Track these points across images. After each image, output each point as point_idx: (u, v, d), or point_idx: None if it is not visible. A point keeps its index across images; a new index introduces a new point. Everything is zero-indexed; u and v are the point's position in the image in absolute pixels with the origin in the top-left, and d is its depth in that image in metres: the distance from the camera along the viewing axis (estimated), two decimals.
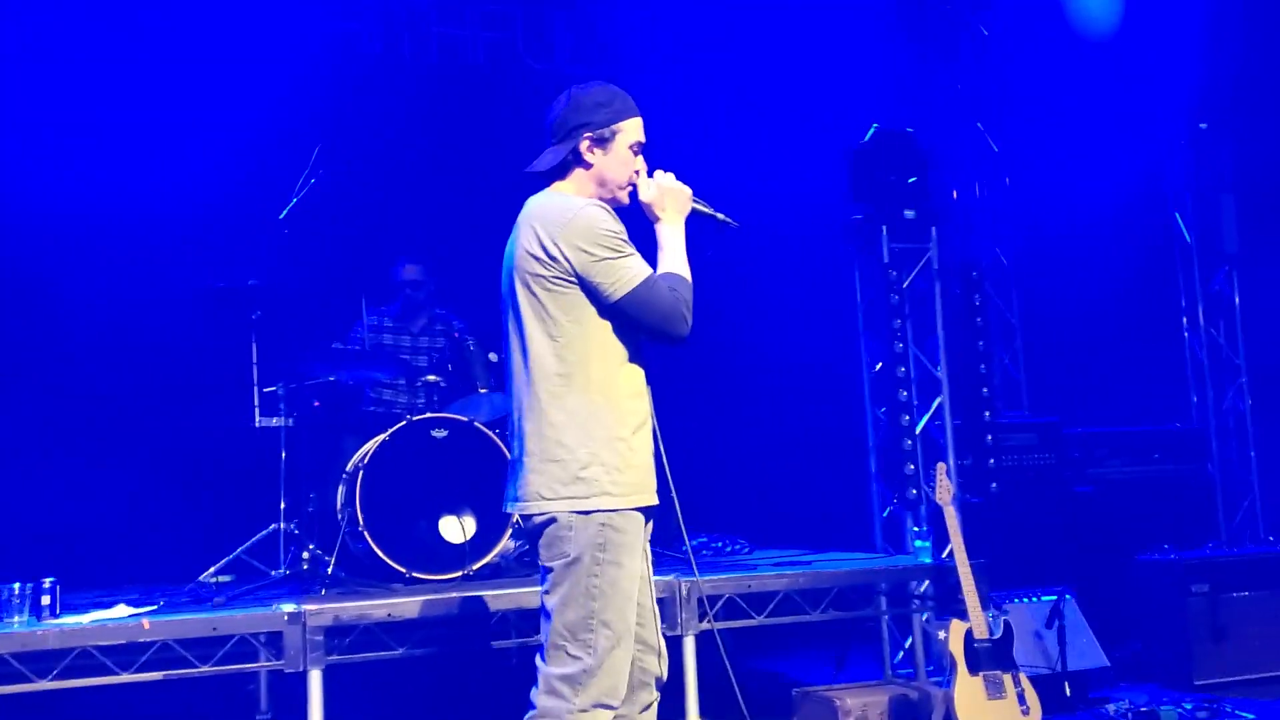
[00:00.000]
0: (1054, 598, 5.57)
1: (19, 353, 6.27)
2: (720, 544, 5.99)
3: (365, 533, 4.90)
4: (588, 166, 3.07)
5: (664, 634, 3.20)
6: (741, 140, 7.56)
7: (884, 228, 6.19)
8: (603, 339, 2.94)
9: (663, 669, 3.12)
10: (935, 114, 7.86)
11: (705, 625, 4.64)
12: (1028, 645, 5.44)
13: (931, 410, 6.26)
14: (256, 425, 5.53)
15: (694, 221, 3.18)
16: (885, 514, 6.35)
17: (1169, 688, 5.65)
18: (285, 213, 5.57)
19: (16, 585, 4.23)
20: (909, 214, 6.24)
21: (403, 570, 4.91)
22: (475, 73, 7.53)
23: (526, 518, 2.98)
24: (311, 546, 5.34)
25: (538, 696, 2.91)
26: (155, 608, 4.47)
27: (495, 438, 5.20)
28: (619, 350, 2.96)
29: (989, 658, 4.73)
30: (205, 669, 4.23)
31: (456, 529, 5.05)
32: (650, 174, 3.13)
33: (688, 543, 3.19)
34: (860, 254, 6.41)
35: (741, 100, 7.76)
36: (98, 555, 5.80)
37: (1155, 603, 5.92)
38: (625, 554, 2.90)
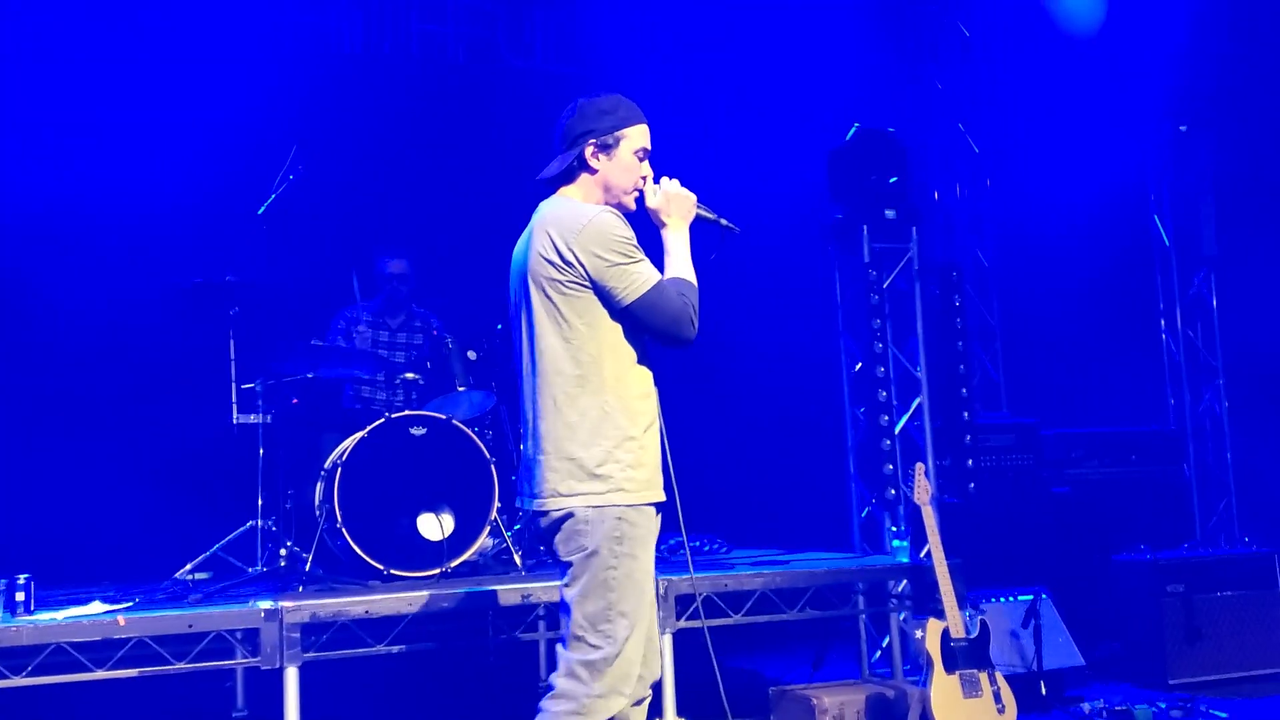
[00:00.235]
0: (1030, 597, 5.61)
1: None
2: (698, 543, 6.01)
3: (343, 530, 4.89)
4: (593, 172, 3.16)
5: None
6: (722, 139, 7.57)
7: (864, 227, 6.20)
8: (614, 341, 3.04)
9: (657, 668, 3.20)
10: (916, 114, 7.90)
11: (683, 624, 4.65)
12: (1004, 644, 5.47)
13: (911, 410, 6.28)
14: (234, 422, 5.51)
15: (697, 226, 3.27)
16: (863, 514, 6.37)
17: (1144, 687, 5.69)
18: (264, 209, 5.56)
19: None
20: (890, 214, 6.24)
21: (381, 567, 4.90)
22: (456, 70, 7.52)
23: (542, 514, 3.07)
24: (289, 543, 5.33)
25: (557, 679, 3.01)
26: (131, 604, 4.45)
27: (474, 435, 5.20)
28: (629, 352, 3.07)
29: (965, 657, 4.76)
30: (181, 666, 4.22)
31: (434, 526, 5.04)
32: (656, 180, 3.22)
33: (686, 541, 3.24)
34: (840, 254, 6.42)
35: (722, 99, 7.77)
36: (73, 551, 5.76)
37: (1131, 603, 5.96)
38: (640, 547, 3.02)
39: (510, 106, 7.36)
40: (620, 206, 3.17)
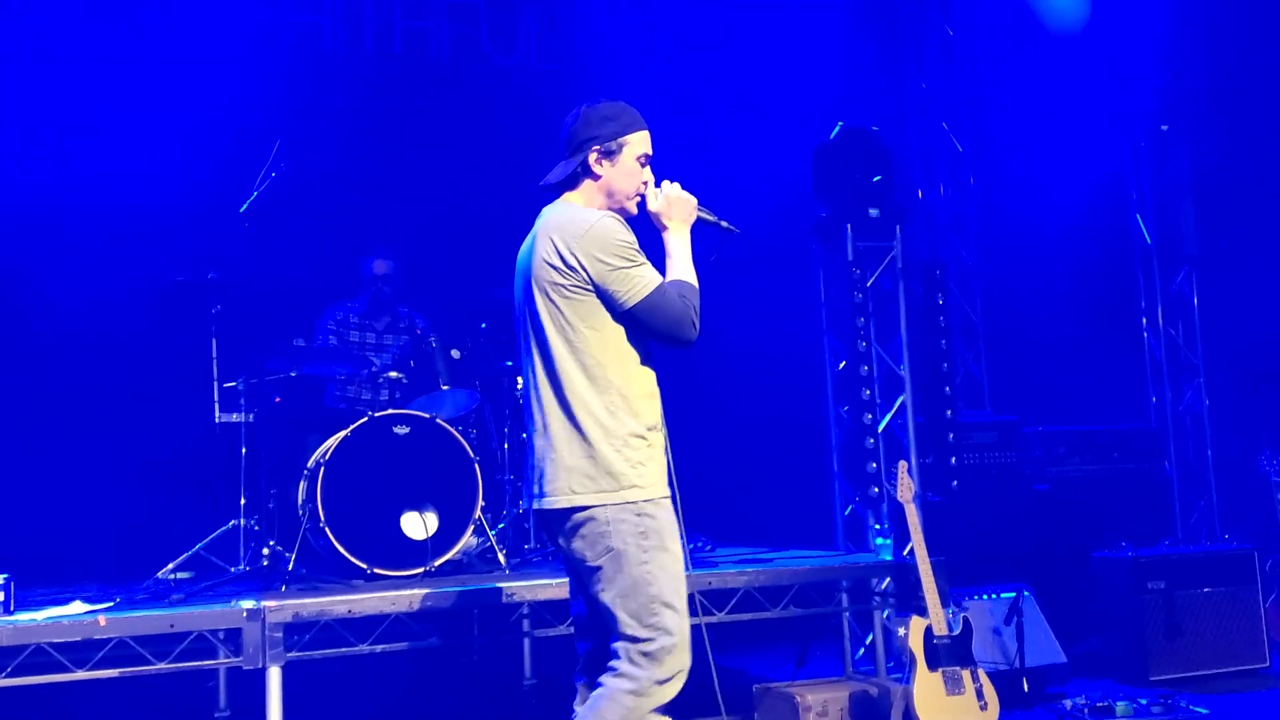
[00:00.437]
0: (1013, 595, 5.63)
1: None
2: (683, 541, 6.00)
3: (326, 529, 4.88)
4: (596, 178, 3.22)
5: None
6: (706, 137, 7.57)
7: (848, 226, 6.21)
8: (618, 343, 3.10)
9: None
10: (901, 113, 7.92)
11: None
12: (986, 642, 5.49)
13: (894, 409, 6.30)
14: (217, 421, 5.49)
15: (698, 229, 3.31)
16: (847, 511, 6.38)
17: (1125, 683, 5.71)
18: (246, 206, 5.53)
19: None
20: (873, 212, 6.26)
21: (364, 566, 4.88)
22: (439, 67, 7.51)
23: (553, 513, 3.10)
24: (272, 543, 5.30)
25: (616, 664, 3.02)
26: (112, 604, 4.42)
27: (457, 434, 5.19)
28: (632, 354, 3.13)
29: (948, 654, 4.77)
30: (163, 666, 4.19)
31: (418, 525, 5.03)
32: (657, 184, 3.27)
33: (684, 542, 3.25)
34: (824, 252, 6.43)
35: (707, 97, 7.77)
36: (53, 551, 5.73)
37: (1112, 600, 5.99)
38: (669, 538, 3.09)
39: (495, 104, 7.35)
40: (622, 211, 3.23)
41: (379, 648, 4.49)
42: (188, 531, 5.48)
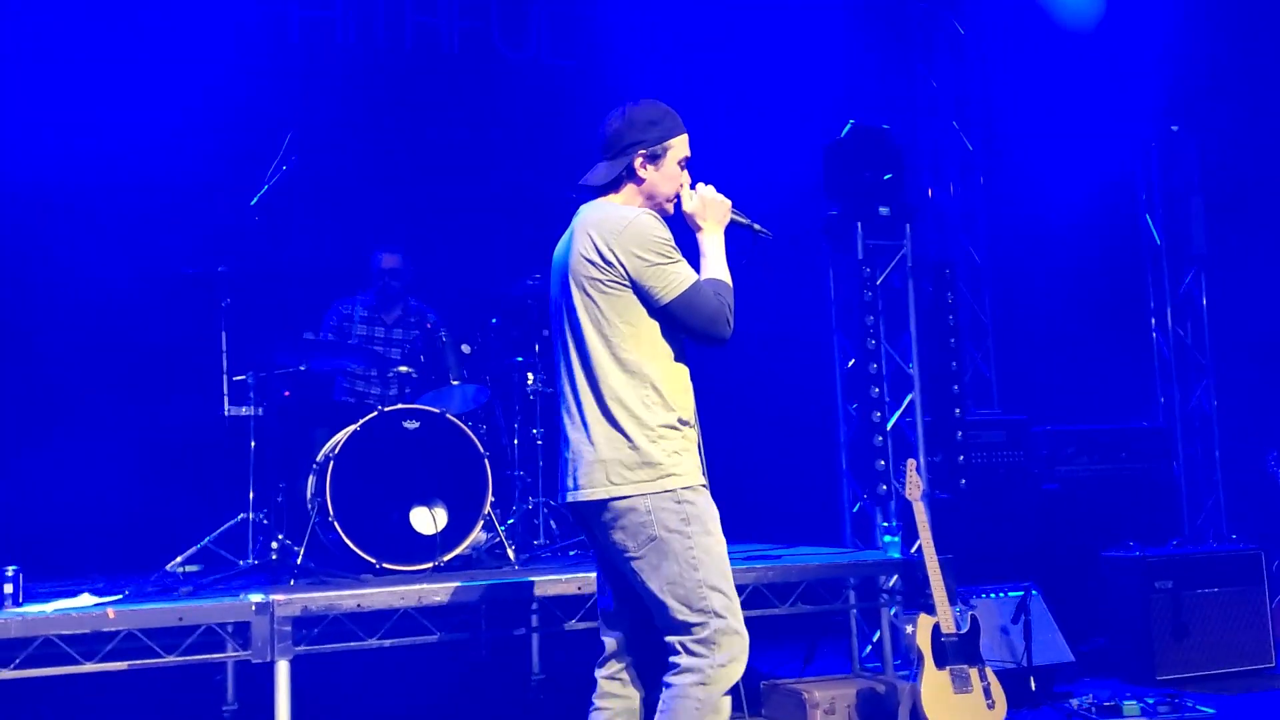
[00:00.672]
0: (1020, 593, 5.62)
1: None
2: None
3: (335, 523, 4.88)
4: (640, 182, 3.25)
5: None
6: (717, 134, 7.54)
7: (859, 224, 6.21)
8: (653, 339, 3.13)
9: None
10: (911, 111, 7.91)
11: None
12: (994, 640, 5.49)
13: (903, 407, 6.30)
14: (226, 414, 5.47)
15: (731, 231, 3.36)
16: (855, 509, 6.38)
17: (1132, 683, 5.71)
18: (257, 199, 5.52)
19: None
20: (884, 211, 6.26)
21: (373, 561, 4.89)
22: (450, 61, 7.50)
23: (588, 505, 3.10)
24: (281, 536, 5.30)
25: (676, 659, 3.03)
26: (120, 597, 4.43)
27: (467, 429, 5.19)
28: (667, 349, 3.16)
29: (956, 652, 4.77)
30: (171, 659, 4.19)
31: (427, 520, 5.03)
32: (693, 186, 3.31)
33: None
34: (834, 250, 6.43)
35: (718, 94, 7.75)
36: (62, 543, 5.74)
37: (1120, 599, 5.98)
38: (710, 522, 3.11)
39: (505, 99, 7.34)
40: (660, 211, 3.26)
41: (387, 642, 4.48)
42: (196, 525, 5.48)
